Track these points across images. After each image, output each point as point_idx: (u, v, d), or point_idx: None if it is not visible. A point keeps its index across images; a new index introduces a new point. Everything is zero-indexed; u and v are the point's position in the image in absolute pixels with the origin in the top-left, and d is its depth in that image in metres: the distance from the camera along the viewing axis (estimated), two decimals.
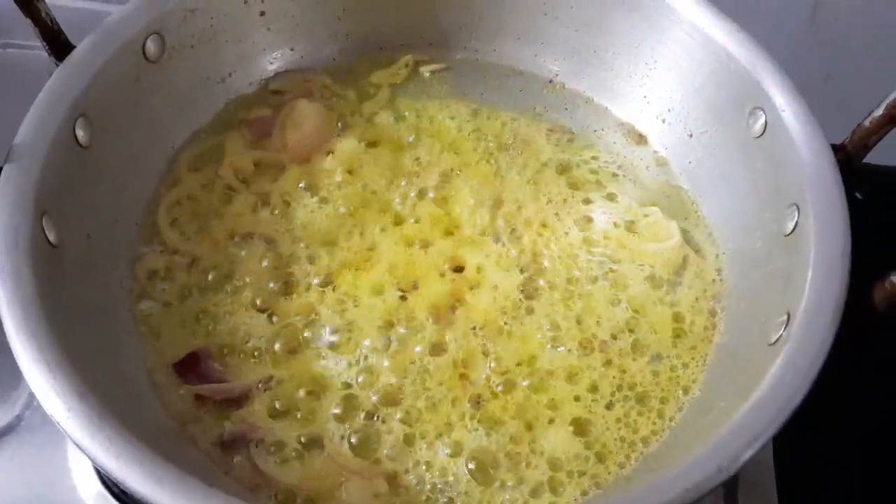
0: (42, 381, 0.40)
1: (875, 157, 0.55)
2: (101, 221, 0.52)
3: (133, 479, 0.37)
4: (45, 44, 0.52)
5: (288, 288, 0.55)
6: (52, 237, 0.46)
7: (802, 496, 0.54)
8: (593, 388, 0.51)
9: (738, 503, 0.52)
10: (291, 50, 0.66)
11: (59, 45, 0.52)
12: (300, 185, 0.60)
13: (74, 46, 0.52)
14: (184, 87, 0.60)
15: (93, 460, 0.38)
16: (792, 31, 0.88)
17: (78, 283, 0.48)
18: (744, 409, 0.42)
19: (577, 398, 0.51)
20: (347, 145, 0.62)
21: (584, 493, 0.47)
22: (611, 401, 0.51)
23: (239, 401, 0.50)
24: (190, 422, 0.49)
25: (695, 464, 0.40)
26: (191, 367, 0.51)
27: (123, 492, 0.49)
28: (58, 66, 0.51)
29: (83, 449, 0.38)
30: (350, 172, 0.61)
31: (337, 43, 0.67)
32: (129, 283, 0.54)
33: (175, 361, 0.51)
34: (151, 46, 0.56)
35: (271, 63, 0.66)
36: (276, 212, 0.58)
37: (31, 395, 0.50)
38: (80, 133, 0.50)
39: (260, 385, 0.51)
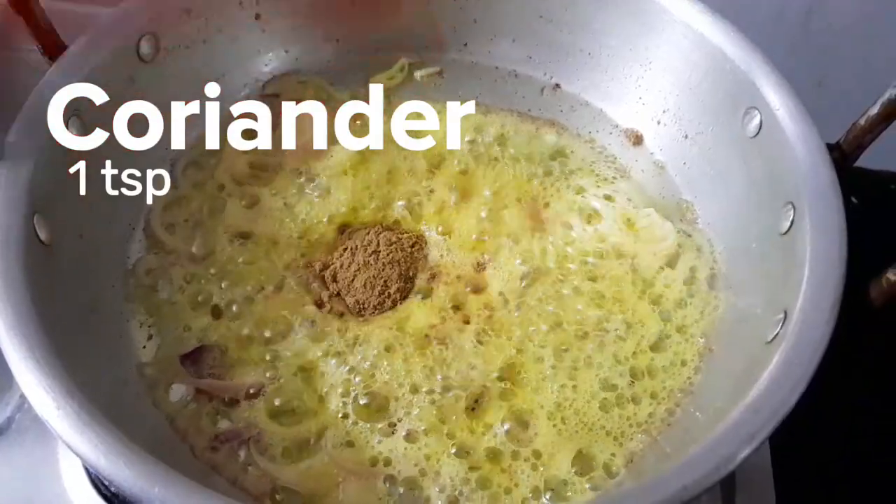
0: (31, 380, 0.40)
1: (871, 161, 0.55)
2: (93, 221, 0.52)
3: (122, 477, 0.37)
4: (38, 44, 0.52)
5: (286, 287, 0.55)
6: (43, 236, 0.46)
7: (800, 496, 0.53)
8: (589, 386, 0.51)
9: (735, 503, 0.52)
10: (286, 52, 0.66)
11: (52, 45, 0.52)
12: (297, 186, 0.60)
13: (67, 46, 0.52)
14: (177, 88, 0.59)
15: (82, 459, 0.38)
16: (785, 36, 0.88)
17: (70, 282, 0.48)
18: (740, 407, 0.42)
19: (571, 397, 0.50)
20: (344, 148, 0.62)
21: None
22: (606, 398, 0.51)
23: (238, 399, 0.50)
24: (186, 419, 0.49)
25: (692, 462, 0.40)
26: (196, 361, 0.51)
27: (115, 494, 0.49)
28: (51, 65, 0.51)
29: (72, 448, 0.38)
30: (346, 174, 0.60)
31: (332, 45, 0.67)
32: (123, 283, 0.54)
33: (183, 353, 0.51)
34: (145, 46, 0.56)
35: (266, 65, 0.66)
36: (273, 213, 0.58)
37: (23, 398, 0.50)
38: (73, 132, 0.50)
39: (259, 384, 0.50)
